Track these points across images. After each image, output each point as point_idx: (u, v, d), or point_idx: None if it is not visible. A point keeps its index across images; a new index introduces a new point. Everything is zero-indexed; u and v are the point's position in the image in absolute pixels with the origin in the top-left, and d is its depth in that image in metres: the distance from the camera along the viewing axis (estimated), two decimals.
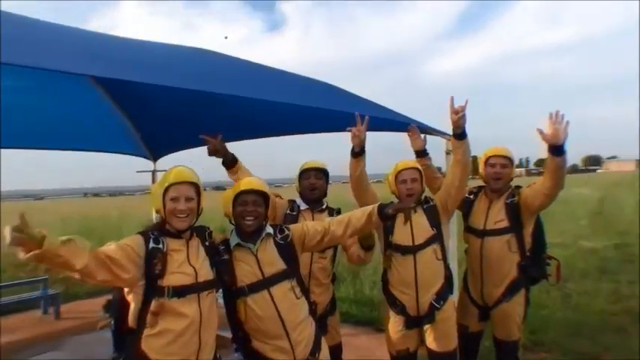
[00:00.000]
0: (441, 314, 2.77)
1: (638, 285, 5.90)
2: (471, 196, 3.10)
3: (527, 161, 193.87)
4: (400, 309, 2.81)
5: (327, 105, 3.06)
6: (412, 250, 2.76)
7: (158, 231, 2.05)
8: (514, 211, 2.87)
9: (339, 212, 3.01)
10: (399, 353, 2.88)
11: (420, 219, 2.82)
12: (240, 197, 2.24)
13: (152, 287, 1.94)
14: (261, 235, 2.25)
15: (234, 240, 2.26)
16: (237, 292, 2.19)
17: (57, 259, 1.68)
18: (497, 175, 2.92)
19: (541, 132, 2.55)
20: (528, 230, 2.92)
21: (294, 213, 2.92)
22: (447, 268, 2.83)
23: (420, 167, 2.89)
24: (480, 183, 3.12)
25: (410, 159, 2.95)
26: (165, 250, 1.99)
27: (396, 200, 2.83)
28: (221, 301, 2.28)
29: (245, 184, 2.29)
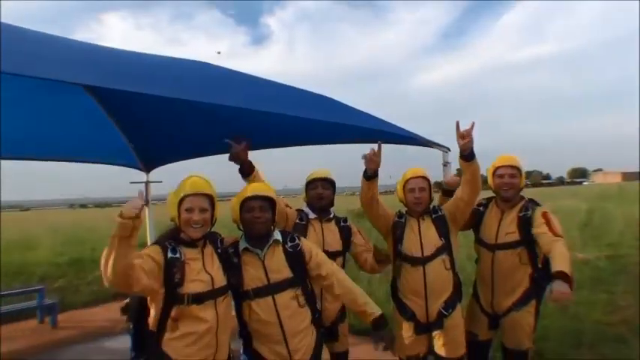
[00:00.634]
0: (450, 321, 2.81)
1: (632, 295, 5.97)
2: (481, 208, 3.08)
3: None
4: (410, 315, 2.84)
5: (323, 117, 3.11)
6: (421, 261, 2.80)
7: (174, 240, 2.09)
8: (527, 225, 2.83)
9: (345, 221, 3.06)
10: (410, 358, 2.91)
11: (428, 229, 2.86)
12: (246, 203, 2.27)
13: (172, 295, 2.00)
14: (269, 241, 2.28)
15: (242, 244, 2.29)
16: (243, 295, 2.24)
17: (135, 240, 1.83)
18: (506, 186, 2.91)
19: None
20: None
21: (303, 222, 2.94)
22: (455, 275, 2.87)
23: (429, 177, 2.92)
24: (490, 193, 3.11)
25: (419, 168, 2.97)
26: (182, 259, 2.05)
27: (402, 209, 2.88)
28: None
29: (251, 189, 2.31)
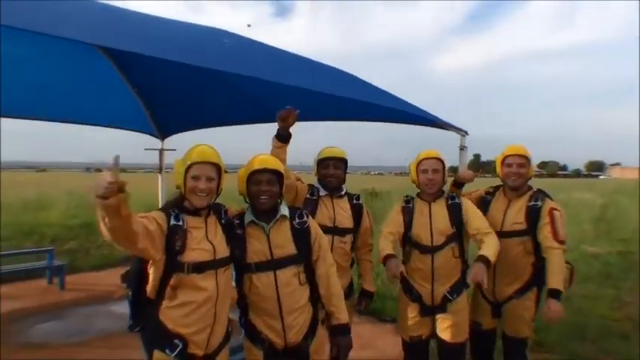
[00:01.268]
0: (454, 306, 2.81)
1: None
2: (488, 197, 3.06)
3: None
4: (416, 297, 2.85)
5: (346, 94, 3.03)
6: (430, 250, 2.78)
7: (177, 208, 2.07)
8: (535, 215, 2.82)
9: (357, 198, 3.02)
10: (413, 340, 2.92)
11: (439, 214, 2.83)
12: (254, 176, 2.22)
13: (172, 262, 1.97)
14: (276, 216, 2.25)
15: (248, 217, 2.26)
16: (245, 267, 2.22)
17: (126, 210, 1.66)
18: (514, 175, 2.89)
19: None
20: None
21: (315, 197, 2.90)
22: (464, 263, 2.85)
23: (443, 159, 2.87)
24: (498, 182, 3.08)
25: (433, 149, 2.91)
26: (185, 227, 2.02)
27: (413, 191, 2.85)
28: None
29: (258, 162, 2.24)
